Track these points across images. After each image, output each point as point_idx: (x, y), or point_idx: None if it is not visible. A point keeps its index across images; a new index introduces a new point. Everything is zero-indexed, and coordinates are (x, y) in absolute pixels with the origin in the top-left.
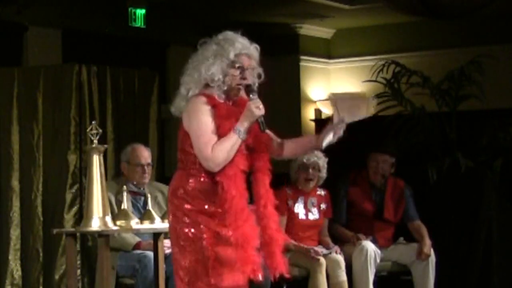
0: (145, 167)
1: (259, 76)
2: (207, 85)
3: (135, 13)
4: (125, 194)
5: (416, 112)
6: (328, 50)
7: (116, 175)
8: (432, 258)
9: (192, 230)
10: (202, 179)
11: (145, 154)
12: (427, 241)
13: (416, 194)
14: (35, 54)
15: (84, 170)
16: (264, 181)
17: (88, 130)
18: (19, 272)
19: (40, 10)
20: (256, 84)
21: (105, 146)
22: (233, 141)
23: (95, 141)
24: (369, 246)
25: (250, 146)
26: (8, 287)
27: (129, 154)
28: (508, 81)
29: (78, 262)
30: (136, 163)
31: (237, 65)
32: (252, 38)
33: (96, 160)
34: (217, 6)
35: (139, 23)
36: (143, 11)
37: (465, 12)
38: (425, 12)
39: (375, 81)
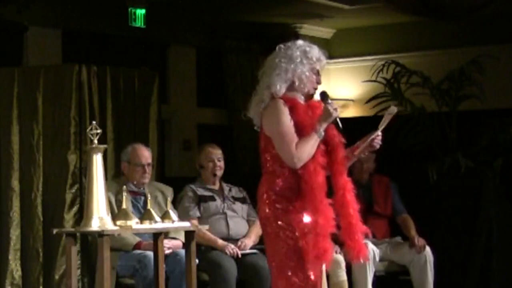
0: (146, 167)
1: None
2: (290, 87)
3: (135, 13)
4: (125, 194)
5: (416, 112)
6: (328, 50)
7: (116, 175)
8: (430, 258)
9: (285, 227)
10: (287, 177)
11: (146, 154)
12: (414, 232)
13: (416, 193)
14: (35, 54)
15: (84, 170)
16: (342, 171)
17: (88, 130)
18: (19, 272)
19: (40, 10)
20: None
21: (105, 146)
22: (314, 140)
23: (95, 141)
24: (368, 245)
25: (326, 141)
26: (8, 287)
27: (129, 154)
28: (508, 81)
29: (78, 262)
30: (136, 163)
31: (316, 70)
32: (252, 38)
33: (96, 160)
34: (217, 6)
35: (139, 23)
36: (143, 11)
37: (465, 12)
38: (425, 12)
39: (375, 81)
